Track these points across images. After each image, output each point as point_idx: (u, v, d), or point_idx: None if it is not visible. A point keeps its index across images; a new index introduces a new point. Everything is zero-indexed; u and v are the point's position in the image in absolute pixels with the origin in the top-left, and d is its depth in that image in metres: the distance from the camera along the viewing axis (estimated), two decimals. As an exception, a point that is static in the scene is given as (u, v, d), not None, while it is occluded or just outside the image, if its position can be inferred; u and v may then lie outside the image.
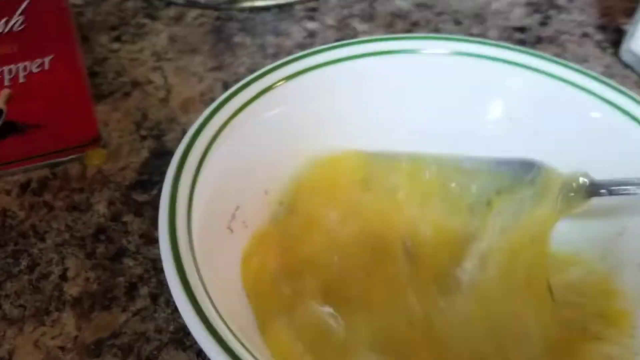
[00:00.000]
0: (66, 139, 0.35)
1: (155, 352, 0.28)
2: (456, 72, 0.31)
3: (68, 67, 0.32)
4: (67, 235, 0.32)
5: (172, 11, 0.46)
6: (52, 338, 0.28)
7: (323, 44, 0.42)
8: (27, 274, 0.30)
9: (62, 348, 0.28)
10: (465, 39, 0.31)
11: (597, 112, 0.29)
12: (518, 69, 0.30)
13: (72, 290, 0.30)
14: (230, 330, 0.21)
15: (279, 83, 0.30)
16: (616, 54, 0.42)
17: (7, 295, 0.29)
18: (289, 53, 0.42)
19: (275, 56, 0.42)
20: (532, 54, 0.30)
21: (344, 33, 0.44)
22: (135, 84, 0.40)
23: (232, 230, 0.27)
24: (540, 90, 0.30)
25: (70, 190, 0.34)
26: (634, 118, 0.28)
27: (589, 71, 0.29)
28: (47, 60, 0.32)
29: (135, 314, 0.29)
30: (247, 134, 0.28)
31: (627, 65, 0.41)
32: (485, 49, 0.30)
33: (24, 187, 0.34)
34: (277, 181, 0.30)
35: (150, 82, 0.40)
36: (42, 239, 0.32)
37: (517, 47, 0.31)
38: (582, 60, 0.42)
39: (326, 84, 0.31)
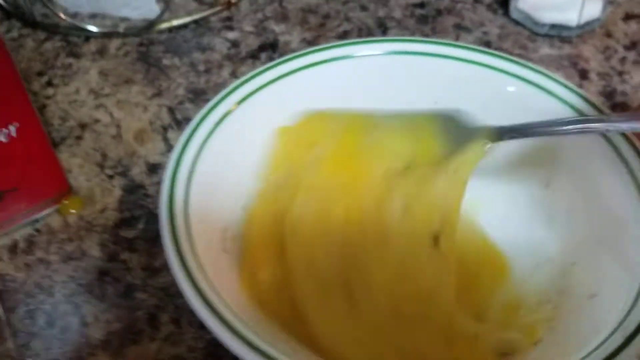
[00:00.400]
0: (40, 195, 0.36)
1: (194, 369, 0.31)
2: (389, 71, 0.35)
3: (32, 129, 0.34)
4: (73, 285, 0.34)
5: (92, 45, 0.47)
6: (96, 381, 0.31)
7: (248, 52, 0.46)
8: (47, 329, 0.32)
9: (109, 387, 0.30)
10: (395, 39, 0.35)
11: (512, 86, 0.34)
12: (442, 60, 0.35)
13: (97, 334, 0.32)
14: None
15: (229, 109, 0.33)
16: (506, 14, 0.48)
17: (37, 354, 0.31)
18: (220, 67, 0.45)
19: (207, 72, 0.45)
20: (454, 45, 0.35)
21: (265, 37, 0.47)
22: (83, 125, 0.42)
23: (227, 252, 0.30)
24: (462, 75, 0.35)
25: (60, 242, 0.36)
26: (543, 89, 0.34)
27: (503, 54, 0.35)
28: (12, 128, 0.33)
29: (164, 340, 0.32)
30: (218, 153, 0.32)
31: (517, 23, 0.47)
32: (414, 45, 0.35)
33: (13, 249, 0.35)
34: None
35: (97, 120, 0.42)
36: (51, 294, 0.34)
37: (440, 40, 0.35)
38: (480, 24, 0.47)
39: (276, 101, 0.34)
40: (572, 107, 0.33)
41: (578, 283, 0.30)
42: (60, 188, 0.37)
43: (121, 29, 0.48)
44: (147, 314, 0.33)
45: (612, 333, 0.25)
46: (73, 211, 0.37)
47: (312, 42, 0.47)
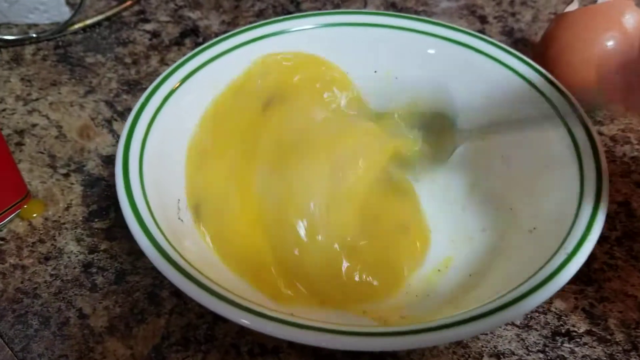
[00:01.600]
0: (1, 202, 0.35)
1: (209, 332, 0.31)
2: (324, 43, 0.37)
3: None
4: (58, 282, 0.33)
5: (5, 55, 0.45)
6: (112, 366, 0.30)
7: (171, 40, 0.46)
8: (45, 329, 0.31)
9: (127, 368, 0.30)
10: (325, 12, 0.37)
11: (433, 48, 0.37)
12: (373, 29, 0.37)
13: (99, 322, 0.31)
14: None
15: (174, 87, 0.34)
16: (406, -26, 0.51)
17: (41, 355, 0.30)
18: (147, 57, 0.45)
19: (136, 63, 0.45)
20: (377, 14, 0.38)
21: (184, 25, 0.48)
22: (20, 132, 0.40)
23: (182, 221, 0.31)
24: (384, 39, 0.37)
25: (31, 246, 0.34)
26: (466, 45, 0.37)
27: (425, 18, 0.37)
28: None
29: (171, 313, 0.32)
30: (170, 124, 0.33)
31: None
32: (346, 17, 0.37)
33: (-20, 261, 0.34)
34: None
35: (34, 125, 0.40)
36: (37, 296, 0.32)
37: (364, 10, 0.38)
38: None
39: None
40: (494, 59, 0.36)
41: (520, 220, 0.33)
42: (19, 193, 0.35)
43: (32, 34, 0.46)
44: (145, 293, 0.32)
45: (554, 255, 0.28)
46: (35, 215, 0.36)
47: (231, 24, 0.48)
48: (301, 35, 0.37)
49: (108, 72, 0.44)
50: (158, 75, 0.34)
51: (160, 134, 0.32)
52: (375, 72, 0.38)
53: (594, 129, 0.32)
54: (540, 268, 0.27)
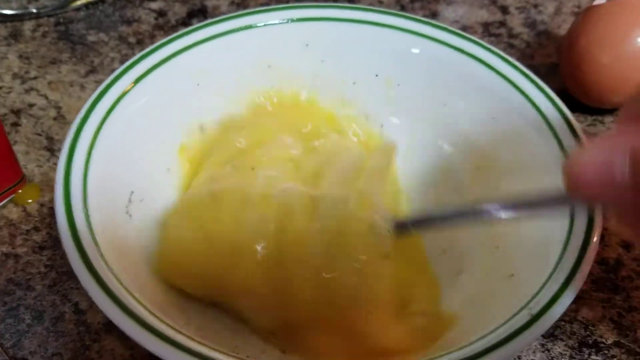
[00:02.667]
0: (-7, 186, 0.32)
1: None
2: (293, 39, 0.34)
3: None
4: (54, 274, 0.31)
5: (3, 30, 0.43)
6: (109, 366, 0.28)
7: (178, 19, 0.44)
8: (38, 324, 0.29)
9: (126, 369, 0.28)
10: (297, 5, 0.34)
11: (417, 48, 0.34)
12: (345, 24, 0.34)
13: (96, 319, 0.29)
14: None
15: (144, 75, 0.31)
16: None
17: (33, 352, 0.28)
18: (152, 37, 0.42)
19: (140, 43, 0.42)
20: (343, 7, 0.34)
21: (191, 4, 0.45)
22: (17, 112, 0.38)
23: (130, 215, 0.29)
24: (359, 36, 0.34)
25: (25, 234, 0.32)
26: (448, 45, 0.33)
27: (408, 14, 0.34)
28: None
29: (174, 311, 0.30)
30: (125, 124, 0.30)
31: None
32: (315, 11, 0.34)
33: (-30, 249, 0.32)
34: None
35: (31, 105, 0.38)
36: (30, 288, 0.30)
37: (333, 4, 0.35)
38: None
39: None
40: (478, 59, 0.33)
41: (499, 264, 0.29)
42: (14, 177, 0.33)
43: (32, 9, 0.44)
44: (146, 288, 0.30)
45: (520, 310, 0.24)
46: (30, 201, 0.34)
47: (241, 5, 0.46)
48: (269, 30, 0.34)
49: (111, 51, 0.42)
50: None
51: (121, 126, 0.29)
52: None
53: None
54: (499, 327, 0.24)
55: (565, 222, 0.27)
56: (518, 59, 0.36)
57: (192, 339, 0.23)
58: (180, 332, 0.23)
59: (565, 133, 0.30)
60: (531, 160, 0.31)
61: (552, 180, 0.28)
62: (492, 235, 0.30)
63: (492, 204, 0.26)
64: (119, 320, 0.23)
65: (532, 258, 0.28)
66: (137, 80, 0.30)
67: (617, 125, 0.23)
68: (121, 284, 0.24)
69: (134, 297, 0.23)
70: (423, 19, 0.34)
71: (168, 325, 0.23)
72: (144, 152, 0.30)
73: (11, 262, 0.31)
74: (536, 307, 0.24)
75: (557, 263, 0.26)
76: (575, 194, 0.22)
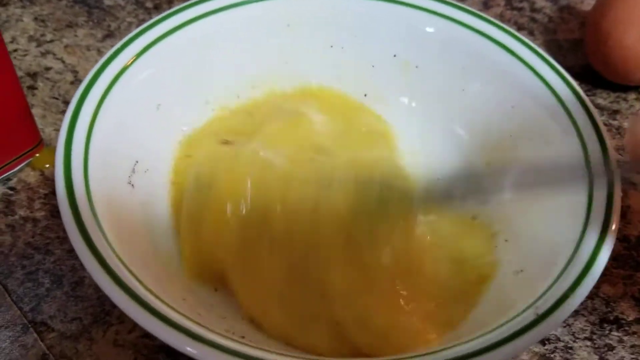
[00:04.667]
0: (12, 149, 0.32)
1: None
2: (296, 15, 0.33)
3: (4, 78, 0.30)
4: (72, 239, 0.30)
5: (18, -8, 0.42)
6: (129, 332, 0.28)
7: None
8: (57, 289, 0.29)
9: (146, 336, 0.28)
10: None
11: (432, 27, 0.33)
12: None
13: (116, 284, 0.29)
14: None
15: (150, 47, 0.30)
16: None
17: (52, 316, 0.28)
18: (169, 3, 0.42)
19: (157, 8, 0.42)
20: None
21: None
22: (33, 75, 0.37)
23: (133, 186, 0.28)
24: (377, 15, 0.33)
25: (43, 198, 0.32)
26: (467, 26, 0.32)
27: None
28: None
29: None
30: (131, 94, 0.29)
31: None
32: None
33: (-12, 212, 0.31)
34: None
35: (47, 68, 0.38)
36: (49, 252, 0.30)
37: None
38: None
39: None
40: (495, 41, 0.32)
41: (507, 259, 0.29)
42: (32, 141, 0.33)
43: (47, -29, 0.43)
44: (166, 255, 0.30)
45: (526, 309, 0.23)
46: (47, 165, 0.33)
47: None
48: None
49: (128, 16, 0.41)
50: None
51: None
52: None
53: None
54: (501, 325, 0.23)
55: (580, 221, 0.26)
56: (541, 34, 0.36)
57: (188, 318, 0.22)
58: (176, 310, 0.22)
59: (588, 129, 0.28)
60: (547, 150, 0.30)
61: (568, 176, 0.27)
62: (500, 229, 0.30)
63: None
64: (113, 293, 0.22)
65: (542, 255, 0.27)
66: (142, 52, 0.29)
67: None
68: (119, 258, 0.23)
69: (130, 271, 0.23)
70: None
71: (163, 301, 0.22)
72: (151, 122, 0.30)
73: (29, 225, 0.31)
74: (543, 306, 0.23)
75: (568, 262, 0.25)
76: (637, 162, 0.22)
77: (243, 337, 0.23)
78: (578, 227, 0.26)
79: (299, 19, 0.33)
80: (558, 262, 0.25)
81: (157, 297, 0.22)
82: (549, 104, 0.30)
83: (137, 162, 0.29)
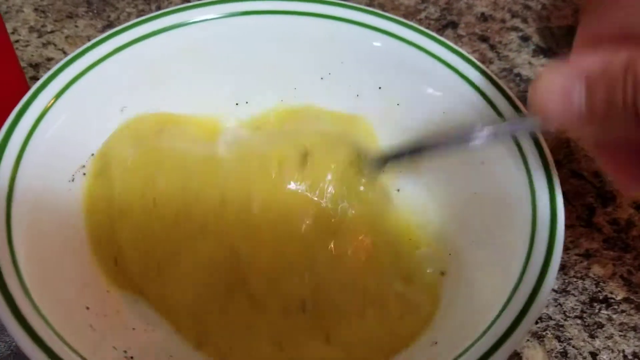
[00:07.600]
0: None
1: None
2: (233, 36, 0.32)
3: (9, 68, 0.30)
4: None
5: (18, -17, 0.43)
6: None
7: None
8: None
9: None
10: None
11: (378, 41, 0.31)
12: (288, 16, 0.32)
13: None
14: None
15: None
16: None
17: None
18: (168, -8, 0.42)
19: (157, 0, 0.42)
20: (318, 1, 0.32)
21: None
22: (35, 65, 0.38)
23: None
24: (325, 33, 0.32)
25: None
26: (408, 42, 0.31)
27: (370, 9, 0.32)
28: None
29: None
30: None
31: None
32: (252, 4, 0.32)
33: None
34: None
35: (49, 59, 0.38)
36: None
37: None
38: None
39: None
40: (437, 58, 0.31)
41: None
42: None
43: (47, -38, 0.43)
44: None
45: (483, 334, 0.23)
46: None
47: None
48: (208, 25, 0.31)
49: (127, 6, 0.42)
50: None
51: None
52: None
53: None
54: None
55: (527, 239, 0.25)
56: (534, 21, 0.36)
57: None
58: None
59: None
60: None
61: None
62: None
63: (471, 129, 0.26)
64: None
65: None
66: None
67: (574, 50, 0.24)
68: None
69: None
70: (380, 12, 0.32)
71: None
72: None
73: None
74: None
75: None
76: (540, 117, 0.22)
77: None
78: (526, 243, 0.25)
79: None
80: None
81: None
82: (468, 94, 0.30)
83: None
